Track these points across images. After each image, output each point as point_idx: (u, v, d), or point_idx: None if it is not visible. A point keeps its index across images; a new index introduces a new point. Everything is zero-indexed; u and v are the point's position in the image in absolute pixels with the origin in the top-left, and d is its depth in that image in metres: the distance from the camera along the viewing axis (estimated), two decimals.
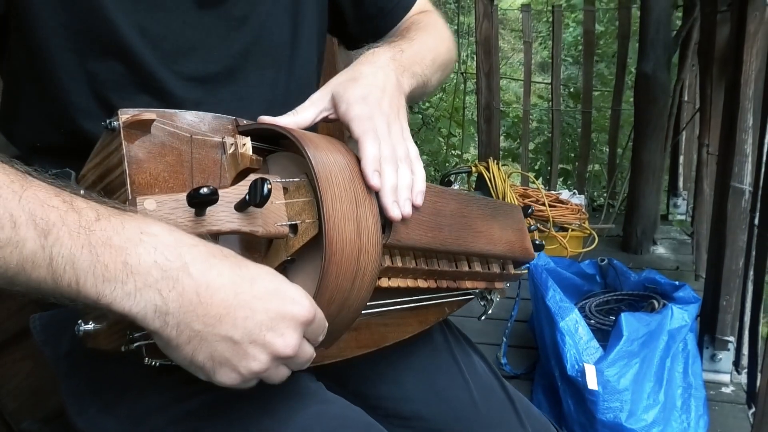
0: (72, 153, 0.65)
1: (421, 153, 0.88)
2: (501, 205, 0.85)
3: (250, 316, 0.48)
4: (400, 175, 0.64)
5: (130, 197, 0.52)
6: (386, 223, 0.64)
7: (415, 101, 0.80)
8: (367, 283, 0.61)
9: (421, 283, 0.73)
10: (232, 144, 0.61)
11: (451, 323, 0.92)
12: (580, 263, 1.95)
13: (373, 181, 0.61)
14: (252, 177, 0.57)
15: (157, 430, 0.64)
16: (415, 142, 0.71)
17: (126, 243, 0.45)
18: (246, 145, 0.61)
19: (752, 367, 1.57)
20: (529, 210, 0.91)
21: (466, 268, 0.79)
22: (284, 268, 0.63)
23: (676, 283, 1.64)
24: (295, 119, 0.66)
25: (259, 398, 0.63)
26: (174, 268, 0.45)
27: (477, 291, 0.85)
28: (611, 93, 2.87)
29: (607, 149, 2.97)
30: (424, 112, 4.01)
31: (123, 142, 0.53)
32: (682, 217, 2.65)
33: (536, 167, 3.63)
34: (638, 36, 2.20)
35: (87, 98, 0.65)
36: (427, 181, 0.69)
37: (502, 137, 3.41)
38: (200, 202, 0.50)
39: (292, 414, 0.64)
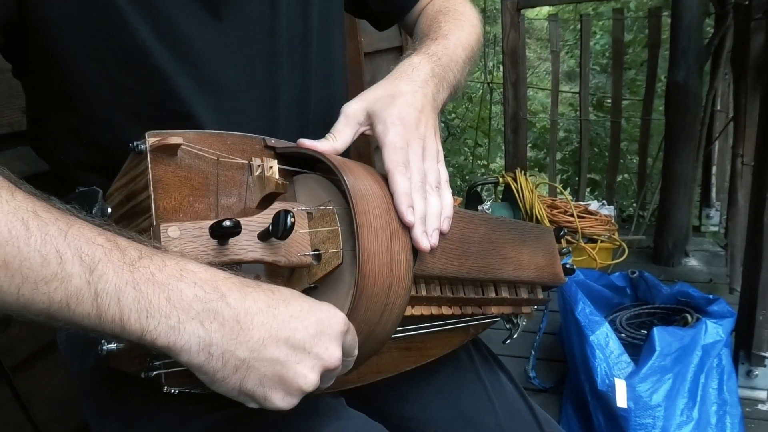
0: (95, 167, 0.65)
1: (447, 164, 0.87)
2: (532, 229, 0.83)
3: (291, 335, 0.49)
4: (429, 203, 0.63)
5: (154, 223, 0.52)
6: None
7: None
8: (394, 316, 0.61)
9: (446, 311, 0.72)
10: (258, 166, 0.61)
11: (477, 339, 0.90)
12: (610, 275, 1.92)
13: (408, 217, 0.60)
14: (276, 205, 0.58)
15: None
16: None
17: (168, 279, 0.46)
18: (273, 168, 0.61)
19: None
20: (562, 233, 0.88)
21: (493, 294, 0.77)
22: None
23: (710, 296, 1.60)
24: (334, 145, 0.65)
25: (277, 414, 0.63)
26: (213, 299, 0.46)
27: (502, 315, 0.84)
28: (641, 102, 2.82)
29: (637, 159, 2.92)
30: (450, 123, 4.00)
31: (149, 166, 0.53)
32: (715, 229, 2.59)
33: (564, 177, 3.59)
34: (669, 44, 2.16)
35: (108, 108, 0.64)
36: (453, 194, 0.68)
37: (529, 147, 3.38)
38: (223, 234, 0.51)
39: (311, 430, 0.63)
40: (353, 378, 0.66)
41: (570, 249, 0.95)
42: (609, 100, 3.02)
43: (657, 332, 1.42)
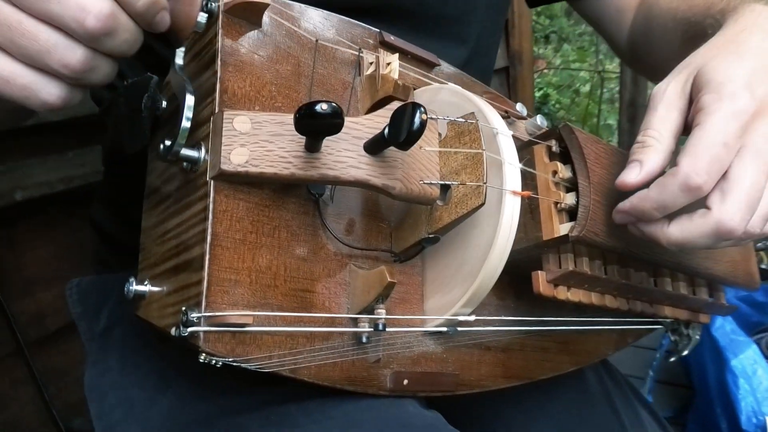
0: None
1: None
2: None
3: None
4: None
5: (216, 110, 0.36)
6: (577, 208, 0.46)
7: None
8: None
9: (609, 302, 0.54)
10: (371, 62, 0.44)
11: (606, 359, 0.69)
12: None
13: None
14: (396, 105, 0.40)
15: None
16: None
17: None
18: (391, 65, 0.44)
19: None
20: None
21: (669, 288, 0.59)
22: (421, 248, 0.45)
23: None
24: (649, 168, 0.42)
25: (353, 426, 0.44)
26: None
27: (669, 321, 0.66)
28: None
29: None
30: (554, 114, 3.71)
31: (219, 32, 0.37)
32: None
33: None
34: None
35: None
36: None
37: None
38: (315, 125, 0.33)
39: None
40: (471, 380, 0.49)
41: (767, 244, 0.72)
42: None
43: None
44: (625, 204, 0.43)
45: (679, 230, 0.41)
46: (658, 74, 0.71)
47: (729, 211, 0.39)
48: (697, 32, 0.54)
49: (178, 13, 0.37)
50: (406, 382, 0.43)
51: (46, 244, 0.93)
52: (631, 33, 0.71)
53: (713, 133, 0.39)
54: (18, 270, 0.91)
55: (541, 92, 3.68)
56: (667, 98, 0.42)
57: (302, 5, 0.43)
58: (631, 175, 0.41)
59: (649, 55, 0.68)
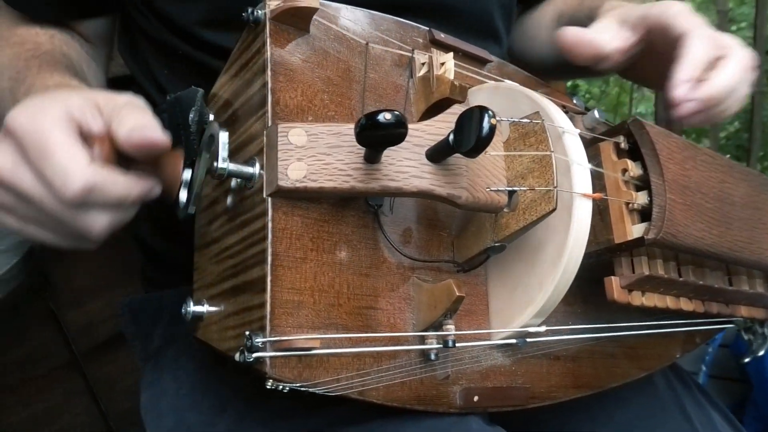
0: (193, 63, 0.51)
1: None
2: None
3: None
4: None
5: (269, 123, 0.34)
6: (650, 208, 0.43)
7: None
8: None
9: (685, 305, 0.51)
10: (424, 63, 0.42)
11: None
12: None
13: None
14: (457, 109, 0.37)
15: None
16: None
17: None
18: (446, 65, 0.41)
19: None
20: None
21: (746, 287, 0.56)
22: (486, 257, 0.43)
23: None
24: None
25: None
26: None
27: (740, 320, 0.62)
28: None
29: None
30: (585, 105, 3.63)
31: (268, 40, 0.35)
32: None
33: None
34: None
35: None
36: None
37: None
38: (379, 136, 0.31)
39: None
40: (541, 392, 0.46)
41: None
42: None
43: None
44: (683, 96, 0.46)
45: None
46: (526, 55, 0.74)
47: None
48: (568, 23, 0.61)
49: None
50: (476, 398, 0.41)
51: (93, 254, 0.94)
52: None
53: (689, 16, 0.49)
54: (67, 281, 0.92)
55: (570, 83, 3.60)
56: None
57: (348, 6, 0.41)
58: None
59: (524, 35, 0.73)
